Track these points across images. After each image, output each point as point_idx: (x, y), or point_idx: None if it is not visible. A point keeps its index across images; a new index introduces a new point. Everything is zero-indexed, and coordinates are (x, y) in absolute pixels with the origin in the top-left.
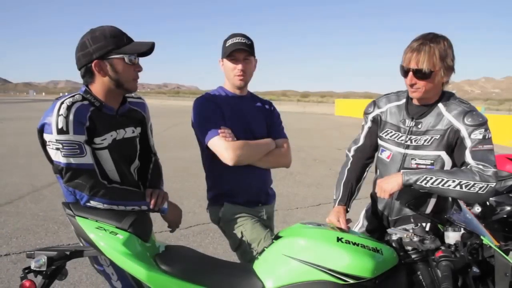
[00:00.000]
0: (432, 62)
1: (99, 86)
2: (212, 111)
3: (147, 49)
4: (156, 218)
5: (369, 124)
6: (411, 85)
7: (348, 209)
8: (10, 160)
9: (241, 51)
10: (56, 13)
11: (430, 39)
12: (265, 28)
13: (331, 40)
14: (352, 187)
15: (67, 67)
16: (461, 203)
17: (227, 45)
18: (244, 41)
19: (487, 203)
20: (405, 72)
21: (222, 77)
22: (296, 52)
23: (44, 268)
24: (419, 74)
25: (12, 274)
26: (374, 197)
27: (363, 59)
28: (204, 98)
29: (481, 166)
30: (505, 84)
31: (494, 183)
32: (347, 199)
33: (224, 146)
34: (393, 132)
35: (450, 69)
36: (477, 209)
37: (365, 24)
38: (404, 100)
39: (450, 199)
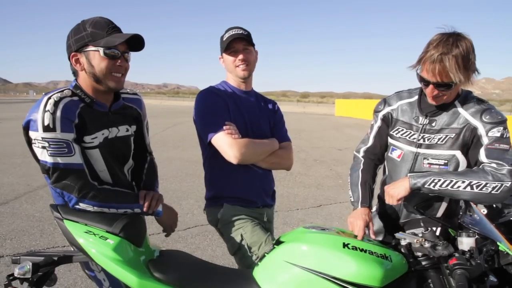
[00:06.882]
0: (456, 75)
1: (83, 80)
2: (217, 105)
3: (122, 41)
4: (153, 220)
5: (379, 123)
6: (433, 96)
7: (372, 210)
8: (7, 160)
9: (239, 41)
10: (56, 13)
11: (451, 46)
12: (264, 28)
13: (331, 40)
14: (370, 187)
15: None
16: (474, 206)
17: (224, 39)
18: (241, 31)
19: (493, 205)
20: (425, 83)
21: (222, 76)
22: (296, 52)
23: (29, 276)
24: (442, 86)
25: (5, 277)
26: (382, 199)
27: (363, 59)
28: (209, 91)
29: (494, 165)
30: (506, 85)
31: (510, 182)
32: (369, 200)
33: (228, 143)
34: (405, 130)
35: (472, 72)
36: (483, 211)
37: (366, 25)
38: (416, 97)
39: (462, 202)
